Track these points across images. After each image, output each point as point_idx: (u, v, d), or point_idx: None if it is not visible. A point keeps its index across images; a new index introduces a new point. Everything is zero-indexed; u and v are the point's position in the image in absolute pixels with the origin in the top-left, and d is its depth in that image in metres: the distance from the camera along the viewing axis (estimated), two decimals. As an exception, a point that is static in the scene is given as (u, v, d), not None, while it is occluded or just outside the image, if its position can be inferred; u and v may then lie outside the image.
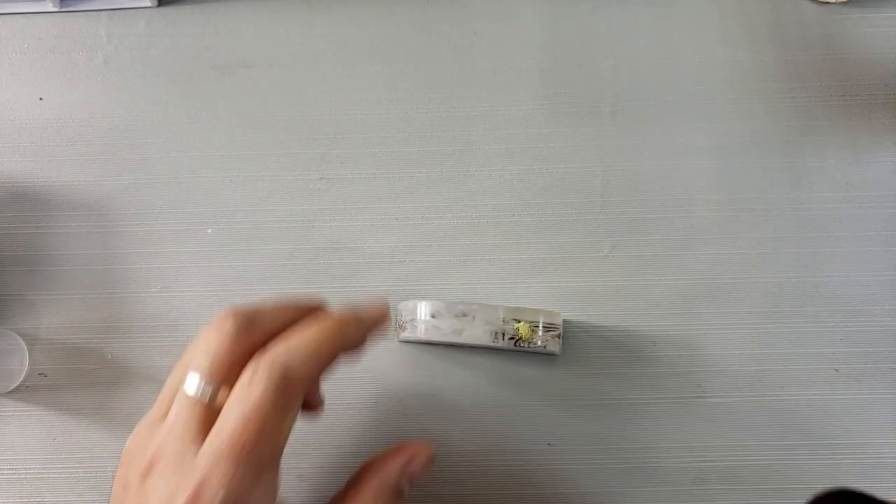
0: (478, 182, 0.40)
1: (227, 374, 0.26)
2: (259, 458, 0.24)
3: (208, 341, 0.27)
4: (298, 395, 0.25)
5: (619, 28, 0.42)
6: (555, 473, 0.37)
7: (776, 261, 0.39)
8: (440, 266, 0.39)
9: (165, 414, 0.27)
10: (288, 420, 0.25)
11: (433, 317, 0.34)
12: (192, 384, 0.26)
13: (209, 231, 0.40)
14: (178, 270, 0.39)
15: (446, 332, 0.34)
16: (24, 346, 0.38)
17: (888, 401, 0.37)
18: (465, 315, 0.34)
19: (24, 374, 0.38)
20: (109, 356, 0.39)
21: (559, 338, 0.36)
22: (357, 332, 0.28)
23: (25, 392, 0.38)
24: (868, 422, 0.37)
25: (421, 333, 0.35)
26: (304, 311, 0.28)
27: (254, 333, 0.27)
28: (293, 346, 0.26)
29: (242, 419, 0.24)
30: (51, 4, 0.42)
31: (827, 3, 0.42)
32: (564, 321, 0.38)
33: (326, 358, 0.27)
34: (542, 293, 0.39)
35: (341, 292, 0.39)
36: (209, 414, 0.25)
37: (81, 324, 0.39)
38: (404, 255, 0.39)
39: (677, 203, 0.40)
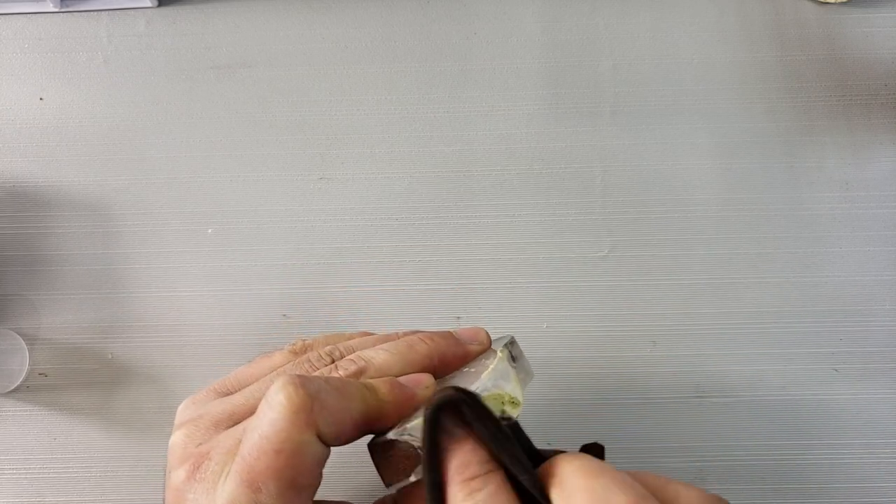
0: (478, 182, 0.40)
1: None
2: (280, 485, 0.22)
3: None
4: (321, 427, 0.23)
5: (619, 28, 0.42)
6: (555, 473, 0.37)
7: (776, 260, 0.39)
8: (440, 266, 0.39)
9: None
10: (310, 454, 0.23)
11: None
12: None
13: (209, 231, 0.40)
14: (178, 270, 0.39)
15: None
16: (25, 346, 0.38)
17: (888, 401, 0.37)
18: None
19: (24, 374, 0.38)
20: (109, 356, 0.39)
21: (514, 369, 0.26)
22: (392, 394, 0.25)
23: (26, 392, 0.38)
24: (868, 422, 0.37)
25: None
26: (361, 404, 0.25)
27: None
28: (333, 380, 0.24)
29: (258, 441, 0.23)
30: (51, 4, 0.42)
31: (826, 3, 0.42)
32: (559, 326, 0.38)
33: (361, 411, 0.24)
34: (542, 293, 0.39)
35: (341, 292, 0.39)
36: None
37: (81, 324, 0.39)
38: (404, 255, 0.39)
39: (677, 203, 0.40)
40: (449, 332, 0.28)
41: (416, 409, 0.25)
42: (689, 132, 0.41)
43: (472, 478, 0.21)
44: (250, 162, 0.41)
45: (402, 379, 0.26)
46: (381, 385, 0.25)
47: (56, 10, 0.42)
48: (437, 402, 0.22)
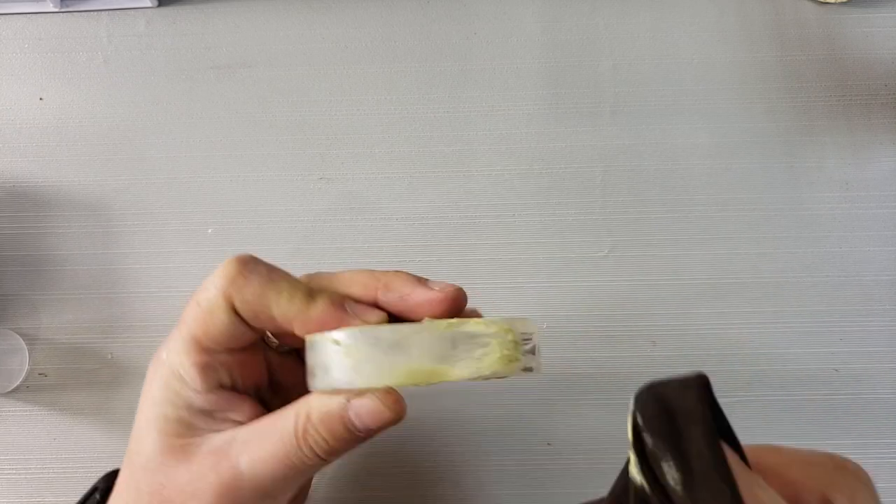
0: (478, 182, 0.40)
1: None
2: (186, 330, 0.26)
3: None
4: (237, 303, 0.25)
5: (619, 28, 0.42)
6: (555, 473, 0.37)
7: (775, 260, 0.39)
8: (440, 266, 0.39)
9: None
10: (219, 322, 0.26)
11: (346, 356, 0.24)
12: None
13: (209, 231, 0.40)
14: (178, 270, 0.39)
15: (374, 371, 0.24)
16: (25, 346, 0.38)
17: (888, 401, 0.37)
18: (397, 345, 0.24)
19: (24, 374, 0.38)
20: (109, 356, 0.39)
21: (534, 352, 0.25)
22: (324, 310, 0.26)
23: (25, 392, 0.38)
24: (868, 422, 0.37)
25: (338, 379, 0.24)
26: (288, 304, 0.26)
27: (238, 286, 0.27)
28: (275, 274, 0.26)
29: (195, 292, 0.26)
30: (51, 4, 0.42)
31: (826, 3, 0.42)
32: (559, 326, 0.38)
33: (282, 307, 0.26)
34: (542, 293, 0.39)
35: (341, 292, 0.39)
36: None
37: (81, 324, 0.39)
38: (404, 255, 0.39)
39: (677, 203, 0.40)
40: (345, 295, 0.27)
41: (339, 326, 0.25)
42: (689, 132, 0.41)
43: (748, 470, 0.21)
44: (250, 162, 0.41)
45: (350, 304, 0.26)
46: (322, 298, 0.26)
47: (56, 10, 0.42)
48: (700, 384, 0.19)
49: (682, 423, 0.18)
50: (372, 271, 0.27)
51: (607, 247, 0.39)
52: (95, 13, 0.42)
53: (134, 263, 0.40)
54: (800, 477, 0.21)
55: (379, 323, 0.26)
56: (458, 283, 0.39)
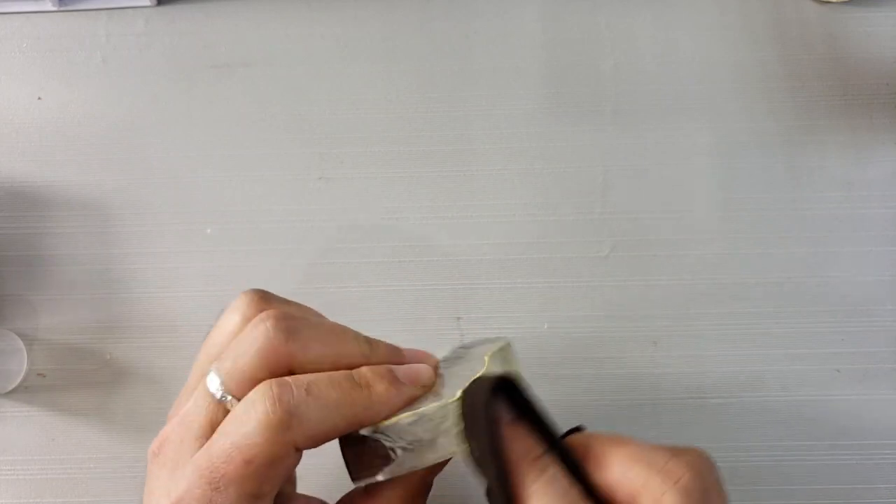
0: (478, 182, 0.40)
1: (247, 387, 0.24)
2: (240, 491, 0.22)
3: (243, 339, 0.24)
4: (298, 442, 0.23)
5: (620, 27, 0.42)
6: (555, 474, 0.37)
7: (776, 261, 0.39)
8: (440, 266, 0.39)
9: (194, 387, 0.25)
10: (281, 465, 0.23)
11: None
12: (213, 383, 0.24)
13: (208, 231, 0.40)
14: (177, 270, 0.39)
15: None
16: (23, 347, 0.38)
17: (889, 401, 0.37)
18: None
19: (22, 374, 0.38)
20: (109, 356, 0.39)
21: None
22: (388, 395, 0.24)
23: (24, 393, 0.38)
24: (869, 422, 0.37)
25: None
26: (356, 347, 0.25)
27: (292, 354, 0.24)
28: (314, 389, 0.23)
29: (229, 448, 0.22)
30: (50, 4, 0.42)
31: (828, 2, 0.42)
32: (559, 326, 0.38)
33: (345, 418, 0.24)
34: (542, 293, 0.39)
35: (341, 293, 0.39)
36: (222, 414, 0.24)
37: (81, 324, 0.39)
38: (404, 255, 0.39)
39: (677, 203, 0.40)
40: (389, 367, 0.25)
41: (406, 406, 0.25)
42: (690, 132, 0.40)
43: (538, 458, 0.22)
44: (249, 161, 0.41)
45: (399, 372, 0.25)
46: (377, 381, 0.24)
47: (54, 9, 0.42)
48: (492, 384, 0.22)
49: (475, 415, 0.22)
50: (350, 338, 0.26)
51: (608, 247, 0.39)
52: (94, 12, 0.42)
53: (132, 263, 0.39)
54: (619, 475, 0.22)
55: (429, 385, 0.26)
56: (458, 283, 0.39)
